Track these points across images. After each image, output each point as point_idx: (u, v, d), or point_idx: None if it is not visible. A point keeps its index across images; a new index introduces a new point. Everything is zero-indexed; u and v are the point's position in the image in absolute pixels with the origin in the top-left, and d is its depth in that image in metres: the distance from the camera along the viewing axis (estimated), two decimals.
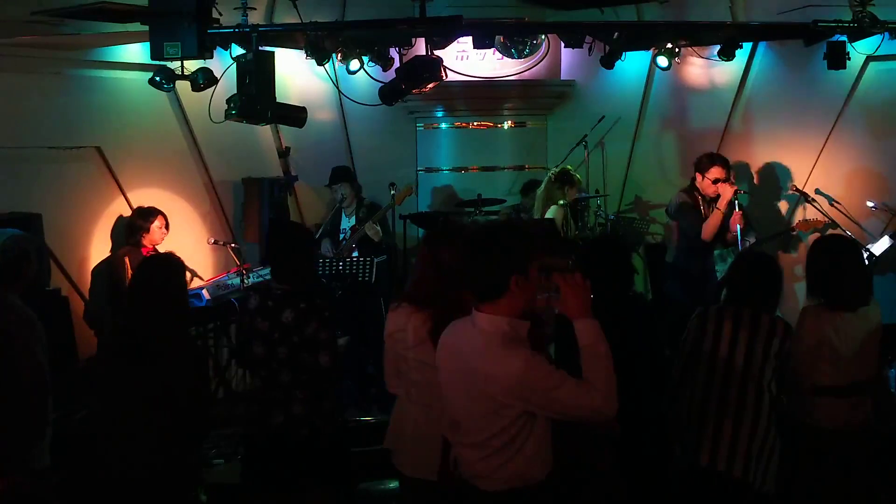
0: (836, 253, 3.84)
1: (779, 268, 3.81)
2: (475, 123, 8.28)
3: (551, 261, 2.86)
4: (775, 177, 7.49)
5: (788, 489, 3.72)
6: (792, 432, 3.76)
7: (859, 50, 6.52)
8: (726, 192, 5.72)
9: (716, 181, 5.78)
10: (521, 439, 2.68)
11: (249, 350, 3.84)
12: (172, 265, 3.67)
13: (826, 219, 6.77)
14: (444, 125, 8.31)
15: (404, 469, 3.41)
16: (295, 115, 6.21)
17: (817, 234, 6.23)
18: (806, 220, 6.76)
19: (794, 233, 6.85)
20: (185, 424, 3.41)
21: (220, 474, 5.25)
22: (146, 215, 5.89)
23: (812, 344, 3.74)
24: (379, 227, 6.49)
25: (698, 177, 5.88)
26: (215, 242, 6.66)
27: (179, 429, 3.40)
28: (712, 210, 5.78)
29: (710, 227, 5.72)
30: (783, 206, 7.58)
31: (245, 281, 6.00)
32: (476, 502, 2.76)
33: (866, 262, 5.62)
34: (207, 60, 5.83)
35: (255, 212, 7.08)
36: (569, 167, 6.99)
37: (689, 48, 7.50)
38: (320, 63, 6.64)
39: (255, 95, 5.58)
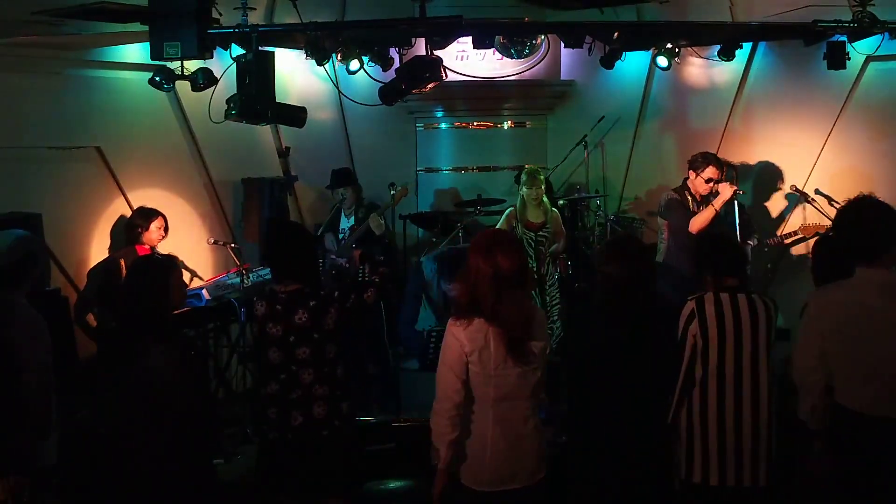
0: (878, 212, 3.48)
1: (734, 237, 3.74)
2: (475, 123, 8.29)
3: None
4: (775, 177, 7.47)
5: (829, 477, 3.50)
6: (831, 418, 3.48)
7: (859, 50, 6.51)
8: (725, 191, 5.68)
9: (709, 181, 5.77)
10: None
11: (265, 357, 3.79)
12: (155, 266, 3.67)
13: (829, 222, 6.77)
14: (444, 125, 8.32)
15: (481, 485, 3.28)
16: (295, 115, 6.20)
17: (817, 237, 6.22)
18: (809, 224, 6.77)
19: (797, 236, 6.86)
20: (186, 426, 3.40)
21: (220, 474, 5.24)
22: (147, 215, 5.88)
23: (846, 316, 3.40)
24: (383, 220, 6.51)
25: (691, 174, 5.86)
26: (215, 242, 6.65)
27: (180, 430, 3.39)
28: (702, 210, 5.74)
29: (698, 220, 5.60)
30: (783, 206, 7.57)
31: (245, 281, 5.98)
32: None
33: None
34: (207, 60, 5.83)
35: (255, 212, 7.07)
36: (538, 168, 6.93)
37: (689, 48, 7.49)
38: (320, 63, 6.63)
39: (255, 95, 5.58)
